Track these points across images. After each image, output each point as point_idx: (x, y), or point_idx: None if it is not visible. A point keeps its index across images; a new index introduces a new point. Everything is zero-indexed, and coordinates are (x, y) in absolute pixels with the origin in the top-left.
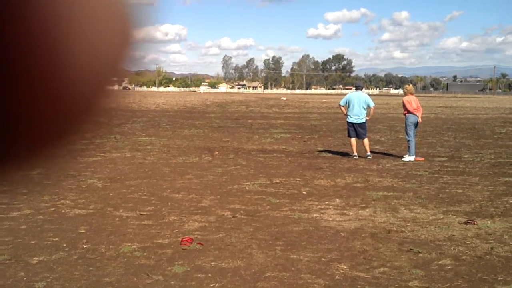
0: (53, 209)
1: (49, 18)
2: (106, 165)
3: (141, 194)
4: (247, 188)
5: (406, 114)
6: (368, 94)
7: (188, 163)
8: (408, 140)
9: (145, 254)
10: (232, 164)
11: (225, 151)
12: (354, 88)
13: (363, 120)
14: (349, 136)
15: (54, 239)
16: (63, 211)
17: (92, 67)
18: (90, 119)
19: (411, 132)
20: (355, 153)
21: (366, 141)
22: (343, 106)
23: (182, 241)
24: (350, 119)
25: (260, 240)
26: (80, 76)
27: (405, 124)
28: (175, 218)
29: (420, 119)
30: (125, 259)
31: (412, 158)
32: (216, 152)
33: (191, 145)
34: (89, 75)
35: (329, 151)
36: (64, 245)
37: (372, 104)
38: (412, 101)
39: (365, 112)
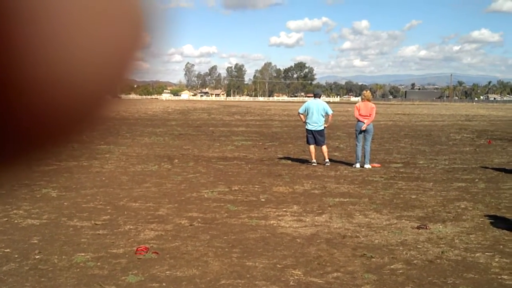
0: (6, 219)
1: (48, 16)
2: (62, 174)
3: (96, 204)
4: (205, 196)
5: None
6: (327, 102)
7: (147, 171)
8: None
9: (98, 264)
10: (192, 172)
11: (185, 159)
12: (313, 96)
13: (322, 128)
14: (308, 143)
15: (5, 250)
16: (15, 221)
17: (96, 73)
18: (88, 128)
19: (356, 138)
20: (314, 160)
21: (324, 148)
22: (302, 114)
23: (137, 250)
24: (309, 127)
25: (217, 248)
26: (82, 82)
27: None
28: (131, 227)
29: (363, 127)
30: (78, 270)
31: (357, 165)
32: (176, 160)
33: (150, 153)
34: (93, 82)
35: (289, 158)
36: (16, 256)
37: (330, 112)
38: (361, 108)
39: (324, 119)
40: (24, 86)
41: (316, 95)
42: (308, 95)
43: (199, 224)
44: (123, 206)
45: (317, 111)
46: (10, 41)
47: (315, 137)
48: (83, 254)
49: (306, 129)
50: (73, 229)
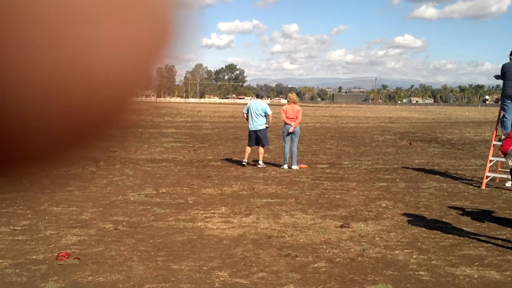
0: None
1: (69, 15)
2: None
3: (16, 208)
4: (131, 199)
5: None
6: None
7: (70, 174)
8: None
9: (17, 271)
10: (118, 175)
11: (112, 161)
12: (255, 96)
13: (262, 127)
14: (248, 143)
15: None
16: None
17: (119, 76)
18: (109, 132)
19: (284, 140)
20: (245, 160)
21: (261, 149)
22: (245, 113)
23: (58, 256)
24: (250, 127)
25: (142, 251)
26: (103, 85)
27: None
28: (52, 232)
29: (290, 129)
30: None
31: (285, 166)
32: (102, 162)
33: (74, 156)
34: (115, 85)
35: (218, 160)
36: None
37: (269, 112)
38: (288, 110)
39: (264, 119)
40: (39, 88)
41: (258, 96)
42: (239, 97)
43: (124, 228)
44: (44, 211)
45: (255, 111)
46: (27, 41)
47: (256, 137)
48: (0, 261)
49: (248, 129)
50: None
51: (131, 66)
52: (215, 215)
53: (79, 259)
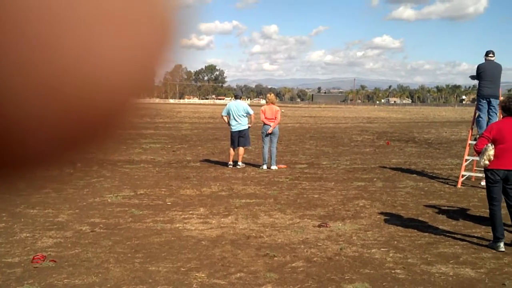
0: None
1: (64, 16)
2: None
3: None
4: (109, 200)
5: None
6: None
7: (47, 176)
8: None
9: None
10: (95, 176)
11: (89, 163)
12: (234, 97)
13: (245, 127)
14: (231, 145)
15: None
16: None
17: (117, 79)
18: (109, 136)
19: (263, 141)
20: (231, 162)
21: (241, 150)
22: (225, 116)
23: (33, 258)
24: (231, 128)
25: (119, 253)
26: (104, 88)
27: None
28: (28, 235)
29: (269, 130)
30: None
31: (264, 166)
32: (79, 164)
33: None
34: (116, 88)
35: (197, 161)
36: None
37: (251, 112)
38: (267, 111)
39: (246, 120)
40: (36, 91)
41: (236, 97)
42: (219, 97)
43: (101, 230)
44: (20, 213)
45: (237, 112)
46: (24, 42)
47: (239, 138)
48: None
49: (230, 131)
50: None
51: (130, 69)
52: (194, 216)
53: (55, 261)
